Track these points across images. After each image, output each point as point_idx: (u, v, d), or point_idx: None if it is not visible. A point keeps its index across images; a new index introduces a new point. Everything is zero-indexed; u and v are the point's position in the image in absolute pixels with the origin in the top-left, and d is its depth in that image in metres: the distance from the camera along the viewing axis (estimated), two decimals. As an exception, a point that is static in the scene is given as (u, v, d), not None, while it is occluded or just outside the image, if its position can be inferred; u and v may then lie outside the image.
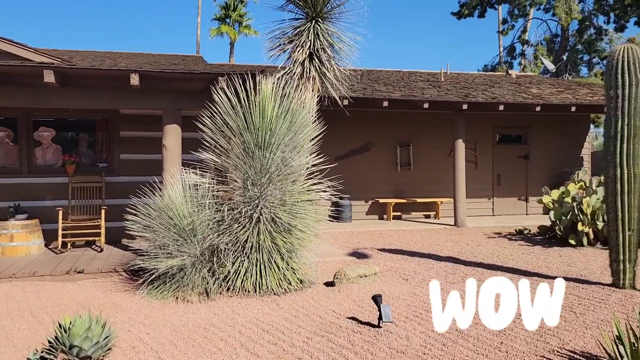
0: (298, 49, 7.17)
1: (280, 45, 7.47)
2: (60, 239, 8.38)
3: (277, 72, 7.24)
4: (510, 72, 18.14)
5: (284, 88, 6.71)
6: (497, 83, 15.12)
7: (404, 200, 13.51)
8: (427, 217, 14.00)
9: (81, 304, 5.73)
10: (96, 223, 8.59)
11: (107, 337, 4.08)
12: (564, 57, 26.47)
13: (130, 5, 70.87)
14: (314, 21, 7.24)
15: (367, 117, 13.35)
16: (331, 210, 12.58)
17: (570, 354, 4.19)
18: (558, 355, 4.17)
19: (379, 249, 9.23)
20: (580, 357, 4.10)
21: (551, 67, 20.92)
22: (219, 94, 6.50)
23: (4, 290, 6.31)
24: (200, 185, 6.51)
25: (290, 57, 7.44)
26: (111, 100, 7.93)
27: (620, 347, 3.63)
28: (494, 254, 8.64)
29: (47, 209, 8.94)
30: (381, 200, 13.45)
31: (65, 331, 3.90)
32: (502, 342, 4.46)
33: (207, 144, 6.60)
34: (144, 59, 12.68)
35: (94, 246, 8.92)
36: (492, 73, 19.94)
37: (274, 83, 6.60)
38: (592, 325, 4.85)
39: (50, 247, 8.76)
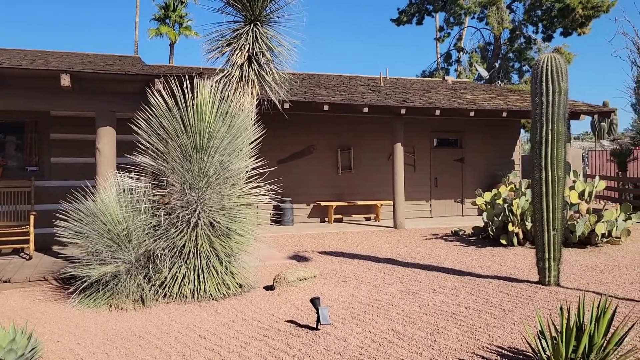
0: (237, 52, 7.13)
1: (218, 47, 7.40)
2: (-16, 247, 7.95)
3: (215, 74, 7.17)
4: (446, 78, 18.74)
5: (222, 91, 6.66)
6: (434, 88, 15.57)
7: (345, 203, 13.67)
8: (368, 219, 14.22)
9: (6, 315, 5.45)
10: (24, 230, 8.19)
11: (33, 349, 3.90)
12: (497, 65, 27.62)
13: (67, 4, 68.09)
14: (252, 24, 7.22)
15: (308, 120, 13.43)
16: (273, 214, 12.56)
17: (499, 349, 4.37)
18: (487, 351, 4.34)
19: (319, 252, 9.30)
20: (508, 352, 4.29)
21: (485, 74, 21.78)
22: (155, 96, 6.37)
23: None
24: (135, 189, 6.35)
25: (229, 60, 7.38)
26: (41, 102, 7.59)
27: (543, 342, 3.83)
28: (430, 255, 8.89)
29: (-30, 216, 8.46)
30: (323, 203, 13.55)
31: (-14, 344, 3.70)
32: (435, 341, 4.60)
33: (143, 147, 6.44)
34: (77, 59, 12.20)
35: (22, 254, 8.50)
36: (429, 79, 20.51)
37: (212, 86, 6.54)
38: (519, 322, 5.08)
39: (-27, 255, 8.28)
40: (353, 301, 5.98)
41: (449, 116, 13.45)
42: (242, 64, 7.18)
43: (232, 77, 7.19)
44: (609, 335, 3.81)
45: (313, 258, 8.75)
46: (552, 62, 6.44)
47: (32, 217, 8.17)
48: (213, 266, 6.24)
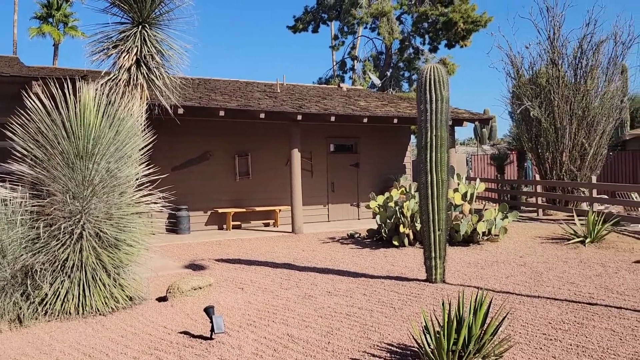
0: (124, 55, 6.83)
1: (104, 49, 7.04)
2: None
3: (101, 78, 6.83)
4: (341, 85, 19.26)
5: (109, 95, 6.35)
6: (329, 95, 15.94)
7: (244, 210, 13.56)
8: (267, 225, 14.21)
9: None
10: None
11: None
12: (388, 73, 28.88)
13: None
14: (140, 26, 6.96)
15: (204, 126, 13.18)
16: (168, 222, 12.13)
17: (389, 346, 4.56)
18: (378, 349, 4.51)
19: (216, 260, 9.14)
20: (397, 349, 4.49)
21: (377, 82, 22.69)
22: (32, 99, 5.93)
23: None
24: (11, 200, 5.85)
25: (115, 62, 7.05)
26: None
27: (427, 336, 4.05)
28: (327, 258, 9.07)
29: None
30: (220, 210, 13.34)
31: None
32: (329, 342, 4.70)
33: (20, 155, 5.96)
34: (-59, 57, 11.06)
35: None
36: (325, 86, 20.99)
37: (97, 89, 6.21)
38: (408, 319, 5.33)
39: None
40: (249, 308, 5.94)
41: (344, 122, 13.83)
42: (130, 67, 6.89)
43: (120, 80, 6.88)
44: (486, 326, 4.11)
45: (209, 266, 8.59)
46: (434, 72, 6.85)
47: None
48: (100, 279, 5.91)
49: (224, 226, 13.60)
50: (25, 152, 5.95)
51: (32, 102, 5.92)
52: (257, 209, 13.73)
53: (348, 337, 4.82)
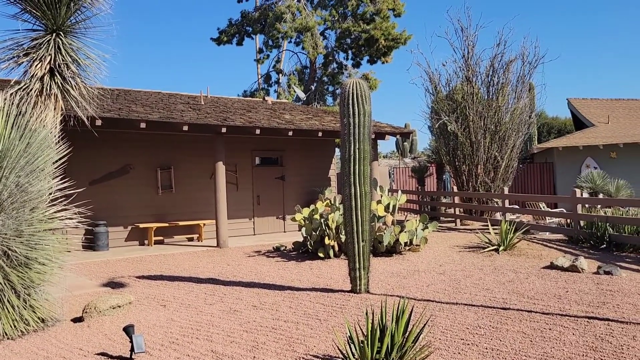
0: (36, 63, 6.48)
1: (14, 57, 6.65)
2: None
3: (10, 87, 6.45)
4: (266, 98, 19.28)
5: (19, 105, 6.00)
6: (254, 108, 15.91)
7: (166, 224, 13.19)
8: (191, 239, 13.89)
9: None
10: None
11: None
12: (313, 87, 29.27)
13: None
14: (55, 34, 6.64)
15: (125, 138, 12.74)
16: (84, 239, 11.60)
17: (314, 358, 4.59)
18: (304, 360, 4.53)
19: (137, 277, 8.81)
20: (322, 360, 4.53)
21: (302, 95, 22.91)
22: None
23: None
24: None
25: (27, 71, 6.68)
26: None
27: (352, 346, 4.12)
28: (252, 272, 8.99)
29: None
30: (142, 225, 12.89)
31: None
32: (254, 357, 4.66)
33: None
34: None
35: None
36: (250, 98, 20.92)
37: (6, 99, 5.86)
38: (333, 330, 5.39)
39: None
40: (172, 325, 5.78)
41: (269, 135, 13.84)
42: (43, 77, 6.55)
43: (32, 90, 6.51)
44: (408, 333, 4.24)
45: (130, 283, 8.26)
46: (357, 87, 7.04)
47: None
48: (8, 301, 5.53)
49: (146, 242, 13.15)
50: None
51: None
52: (181, 223, 13.40)
53: (274, 351, 4.80)
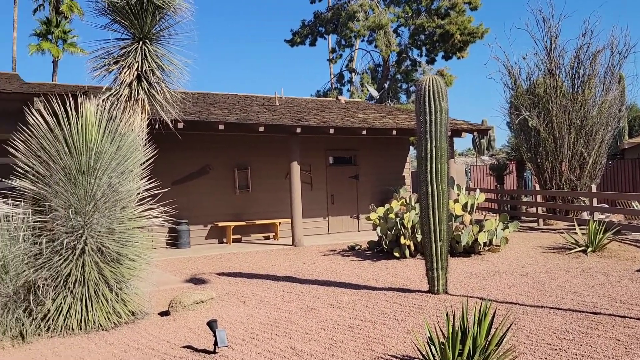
0: (125, 70, 6.88)
1: (105, 65, 7.09)
2: None
3: (102, 93, 6.87)
4: (339, 98, 19.35)
5: (110, 110, 6.38)
6: (328, 108, 16.01)
7: (244, 223, 13.56)
8: (267, 238, 14.20)
9: None
10: None
11: None
12: (386, 85, 29.04)
13: None
14: (141, 42, 7.01)
15: (204, 140, 13.23)
16: (168, 237, 12.13)
17: (393, 358, 4.55)
18: (382, 360, 4.50)
19: (217, 274, 9.12)
20: (401, 360, 4.48)
21: (375, 94, 22.79)
22: (34, 115, 5.96)
23: None
24: (12, 216, 5.86)
25: (117, 78, 7.10)
26: None
27: (432, 347, 4.05)
28: (328, 271, 9.05)
29: None
30: (220, 224, 13.33)
31: None
32: (333, 355, 4.69)
33: (22, 171, 5.98)
34: (-58, 75, 11.11)
35: None
36: (323, 98, 21.10)
37: (98, 105, 6.25)
38: (411, 330, 5.32)
39: None
40: (252, 321, 5.93)
41: (342, 135, 13.88)
42: (131, 83, 6.94)
43: (121, 96, 6.92)
44: (490, 336, 4.10)
45: (211, 280, 8.57)
46: (433, 84, 6.90)
47: None
48: (102, 294, 5.90)
49: (224, 240, 13.59)
50: (28, 168, 5.97)
51: (34, 119, 5.95)
52: (257, 222, 13.73)
53: (352, 350, 4.81)
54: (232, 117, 12.12)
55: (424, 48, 28.76)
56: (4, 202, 5.94)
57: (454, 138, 15.24)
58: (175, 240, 12.57)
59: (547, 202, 15.16)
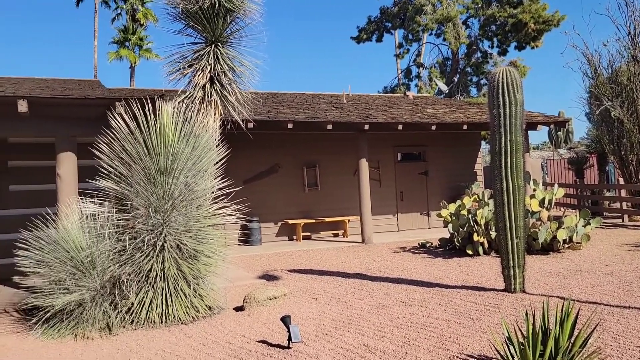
0: (198, 73, 7.12)
1: (180, 69, 7.38)
2: (-61, 281, 7.62)
3: (177, 96, 7.14)
4: (407, 93, 19.09)
5: (185, 112, 6.62)
6: (395, 104, 15.84)
7: (313, 220, 13.68)
8: (336, 235, 14.26)
9: (-36, 351, 5.24)
10: (-18, 261, 7.90)
11: (-6, 385, 3.76)
12: (456, 79, 28.34)
13: (25, 30, 66.85)
14: (213, 45, 7.23)
15: (273, 139, 13.47)
16: (240, 234, 12.46)
17: (469, 358, 4.43)
18: (458, 360, 4.40)
19: (289, 270, 9.26)
20: (478, 360, 4.36)
21: (444, 88, 22.33)
22: (116, 119, 6.29)
23: None
24: (99, 214, 6.22)
25: (191, 81, 7.37)
26: (-3, 128, 7.40)
27: (511, 348, 3.91)
28: (399, 268, 8.96)
29: None
30: (290, 222, 13.53)
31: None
32: (407, 353, 4.63)
33: (106, 172, 6.33)
34: (34, 84, 11.94)
35: (-20, 286, 8.18)
36: (391, 94, 20.87)
37: (174, 107, 6.50)
38: (487, 329, 5.16)
39: None
40: (324, 318, 5.97)
41: (411, 130, 13.69)
42: (205, 85, 7.18)
43: (195, 98, 7.17)
44: (574, 338, 3.91)
45: (282, 277, 8.71)
46: (507, 75, 6.66)
47: (-10, 248, 7.89)
48: (181, 289, 6.14)
49: (294, 237, 13.77)
50: (111, 169, 6.31)
51: (117, 122, 6.28)
52: (326, 219, 13.81)
53: (426, 348, 4.73)
54: (301, 115, 12.25)
55: (495, 39, 27.83)
56: (90, 201, 6.31)
57: (529, 131, 14.64)
58: (246, 237, 12.88)
59: (633, 197, 14.26)
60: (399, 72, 32.09)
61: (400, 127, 12.68)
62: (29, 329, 5.89)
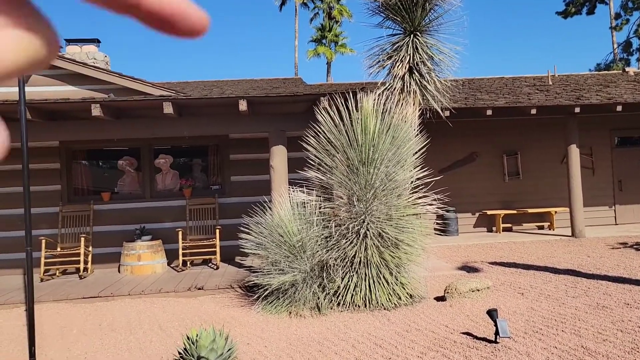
0: (397, 64, 7.20)
1: (379, 61, 7.55)
2: (180, 258, 8.98)
3: (377, 88, 7.31)
4: (627, 69, 16.81)
5: (384, 104, 6.76)
6: (612, 82, 14.09)
7: (514, 212, 12.91)
8: (541, 228, 13.26)
9: (203, 319, 6.10)
10: (212, 242, 9.10)
11: (230, 350, 4.31)
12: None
13: (232, 35, 75.08)
14: (412, 35, 7.24)
15: (470, 127, 13.01)
16: (436, 224, 12.30)
17: None
18: None
19: (489, 263, 8.90)
20: None
21: (675, 60, 19.11)
22: (321, 113, 6.69)
23: (135, 306, 6.89)
24: (307, 203, 6.70)
25: (389, 72, 7.49)
26: (222, 126, 8.43)
27: None
28: (619, 266, 8.00)
29: (167, 231, 9.62)
30: (489, 212, 12.96)
31: (192, 343, 4.18)
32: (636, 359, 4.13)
33: (312, 163, 6.80)
34: (247, 85, 13.35)
35: (210, 264, 9.45)
36: (606, 72, 18.59)
37: (374, 99, 6.68)
38: None
39: (171, 265, 9.42)
40: (533, 314, 5.61)
41: (633, 111, 12.04)
42: (403, 76, 7.23)
43: (394, 89, 7.27)
44: None
45: (483, 269, 8.41)
46: None
47: (217, 231, 9.06)
48: (383, 276, 6.32)
49: (493, 228, 13.17)
50: (317, 160, 6.75)
51: (322, 116, 6.68)
52: (529, 210, 12.91)
53: (660, 358, 4.15)
54: (500, 101, 11.63)
55: None
56: (299, 190, 6.83)
57: None
58: (443, 227, 12.69)
59: None
60: (616, 46, 28.45)
61: (619, 108, 11.24)
62: (251, 304, 6.62)
